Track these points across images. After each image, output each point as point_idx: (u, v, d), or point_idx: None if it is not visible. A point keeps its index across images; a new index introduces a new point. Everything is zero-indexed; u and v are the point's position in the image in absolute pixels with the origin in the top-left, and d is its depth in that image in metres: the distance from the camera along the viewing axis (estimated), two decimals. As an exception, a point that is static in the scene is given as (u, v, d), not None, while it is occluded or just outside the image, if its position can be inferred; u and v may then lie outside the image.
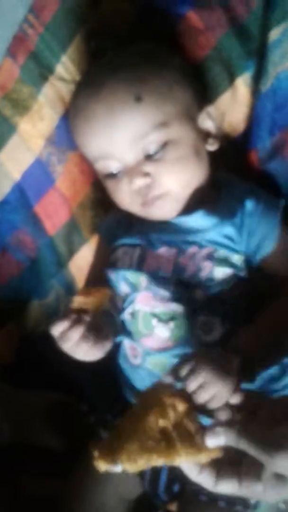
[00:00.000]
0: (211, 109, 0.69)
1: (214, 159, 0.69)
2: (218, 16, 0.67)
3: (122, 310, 0.69)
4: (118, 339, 0.70)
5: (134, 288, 0.66)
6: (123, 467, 0.49)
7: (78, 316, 0.59)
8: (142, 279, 0.65)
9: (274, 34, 0.63)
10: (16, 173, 0.88)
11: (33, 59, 0.81)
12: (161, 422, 0.50)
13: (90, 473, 0.70)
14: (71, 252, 0.86)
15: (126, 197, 0.66)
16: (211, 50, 0.69)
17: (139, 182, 0.63)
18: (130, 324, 0.67)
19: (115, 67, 0.65)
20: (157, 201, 0.64)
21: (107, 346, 0.63)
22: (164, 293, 0.63)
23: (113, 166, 0.65)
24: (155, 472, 0.68)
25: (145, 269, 0.65)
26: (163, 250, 0.66)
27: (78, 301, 0.59)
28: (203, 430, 0.49)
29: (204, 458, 0.49)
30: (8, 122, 0.86)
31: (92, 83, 0.65)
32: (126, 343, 0.69)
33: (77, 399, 0.79)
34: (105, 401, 0.76)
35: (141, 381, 0.68)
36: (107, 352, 0.63)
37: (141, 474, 0.70)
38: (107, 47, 0.71)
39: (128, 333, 0.68)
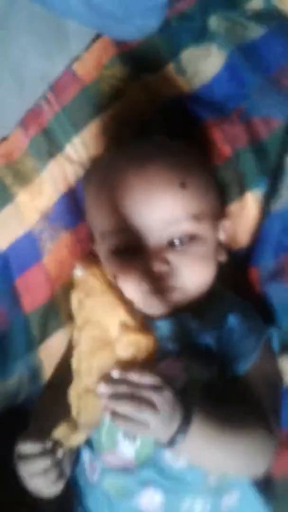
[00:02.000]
0: (227, 222, 0.68)
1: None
2: (238, 130, 0.67)
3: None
4: (81, 449, 0.63)
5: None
6: None
7: (52, 446, 0.54)
8: None
9: (291, 159, 0.63)
10: (3, 242, 0.85)
11: (44, 135, 0.82)
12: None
13: None
14: (44, 335, 0.81)
15: (135, 280, 0.61)
16: (227, 161, 0.69)
17: (159, 267, 0.59)
18: (93, 433, 0.61)
19: (162, 149, 0.65)
20: (167, 293, 0.60)
21: (61, 486, 0.57)
22: None
23: (132, 243, 0.61)
24: None
25: None
26: None
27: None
28: None
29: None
30: (6, 191, 0.85)
31: (139, 158, 0.63)
32: (86, 455, 0.62)
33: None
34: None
35: (95, 503, 0.61)
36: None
37: None
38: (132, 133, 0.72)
39: (90, 444, 0.61)
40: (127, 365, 0.49)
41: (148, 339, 0.49)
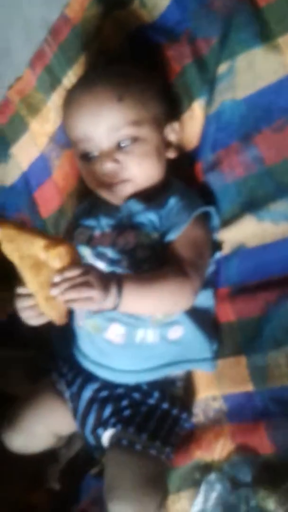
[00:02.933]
0: (176, 125, 0.83)
1: (171, 166, 0.84)
2: (185, 48, 0.82)
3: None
4: None
5: (84, 259, 0.81)
6: None
7: None
8: (87, 252, 0.80)
9: (222, 68, 0.77)
10: (24, 164, 1.06)
11: (47, 72, 0.99)
12: (42, 253, 0.64)
13: (28, 405, 0.85)
14: (58, 233, 1.02)
15: (96, 177, 0.80)
16: (177, 76, 0.84)
17: (110, 165, 0.77)
18: None
19: (107, 73, 0.82)
20: (121, 184, 0.79)
21: (44, 320, 0.72)
22: (100, 263, 0.77)
23: (90, 149, 0.80)
24: (85, 414, 0.82)
25: (91, 245, 0.80)
26: (107, 231, 0.81)
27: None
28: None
29: (40, 301, 0.67)
30: (23, 121, 1.04)
31: (88, 81, 0.82)
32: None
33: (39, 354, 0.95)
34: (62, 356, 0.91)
35: (82, 340, 0.84)
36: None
37: (74, 411, 0.83)
38: (103, 62, 0.89)
39: None
40: (60, 270, 0.64)
41: (65, 247, 0.64)
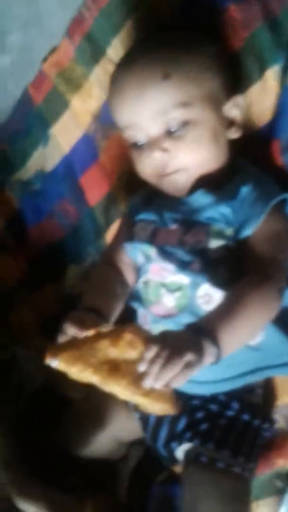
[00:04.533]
0: (239, 98, 0.72)
1: (236, 146, 0.73)
2: (255, 9, 0.69)
3: (138, 279, 0.76)
4: (134, 306, 0.76)
5: (148, 259, 0.73)
6: (59, 367, 0.57)
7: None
8: (152, 252, 0.71)
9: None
10: (66, 146, 0.96)
11: (87, 41, 0.87)
12: (112, 351, 0.56)
13: (90, 410, 0.79)
14: (108, 223, 0.94)
15: (146, 168, 0.72)
16: (245, 42, 0.72)
17: (157, 155, 0.69)
18: (143, 292, 0.74)
19: (151, 46, 0.71)
20: (172, 175, 0.70)
21: None
22: (169, 265, 0.69)
23: (138, 136, 0.70)
24: (156, 426, 0.75)
25: (155, 243, 0.71)
26: (173, 227, 0.72)
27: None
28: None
29: (140, 400, 0.56)
30: (62, 98, 0.94)
31: (129, 59, 0.72)
32: (140, 310, 0.76)
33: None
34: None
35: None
36: None
37: (144, 423, 0.77)
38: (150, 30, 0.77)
39: (141, 301, 0.74)
40: (139, 357, 0.56)
41: (129, 331, 0.58)
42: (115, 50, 0.85)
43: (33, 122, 0.98)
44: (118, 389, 0.57)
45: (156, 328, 0.72)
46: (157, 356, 0.55)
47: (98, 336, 0.58)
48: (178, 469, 0.81)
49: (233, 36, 0.73)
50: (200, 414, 0.72)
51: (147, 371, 0.55)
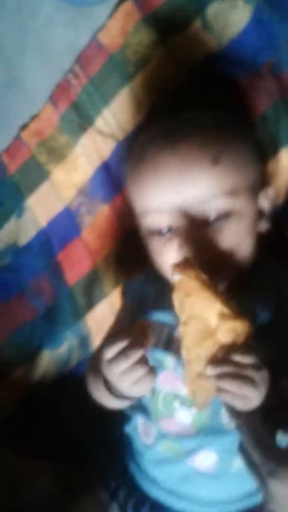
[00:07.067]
0: (270, 190, 0.66)
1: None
2: (269, 85, 0.66)
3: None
4: (132, 414, 0.66)
5: (158, 366, 0.62)
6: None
7: (137, 338, 0.55)
8: (169, 360, 0.62)
9: None
10: (43, 219, 0.87)
11: (74, 110, 0.81)
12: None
13: None
14: (90, 304, 0.84)
15: (171, 259, 0.60)
16: (258, 119, 0.67)
17: (192, 248, 0.58)
18: (148, 401, 0.63)
19: (196, 125, 0.62)
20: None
21: (152, 383, 0.56)
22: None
23: (166, 223, 0.61)
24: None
25: (173, 349, 0.62)
26: None
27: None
28: None
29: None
30: (41, 169, 0.86)
31: (170, 136, 0.62)
32: (139, 419, 0.65)
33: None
34: (105, 463, 0.71)
35: (149, 461, 0.64)
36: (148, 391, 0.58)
37: None
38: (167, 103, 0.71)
39: (144, 410, 0.64)
40: (228, 349, 0.52)
41: (244, 324, 0.52)
42: (105, 120, 0.79)
43: (6, 191, 0.89)
44: (187, 346, 0.54)
45: (161, 446, 0.62)
46: (241, 366, 0.51)
47: (219, 298, 0.53)
48: None
49: (245, 111, 0.68)
50: None
51: (221, 364, 0.51)
